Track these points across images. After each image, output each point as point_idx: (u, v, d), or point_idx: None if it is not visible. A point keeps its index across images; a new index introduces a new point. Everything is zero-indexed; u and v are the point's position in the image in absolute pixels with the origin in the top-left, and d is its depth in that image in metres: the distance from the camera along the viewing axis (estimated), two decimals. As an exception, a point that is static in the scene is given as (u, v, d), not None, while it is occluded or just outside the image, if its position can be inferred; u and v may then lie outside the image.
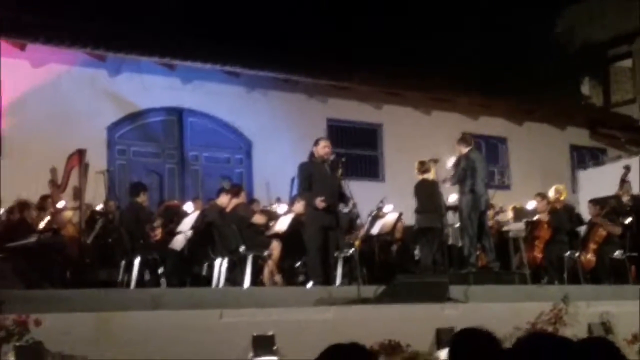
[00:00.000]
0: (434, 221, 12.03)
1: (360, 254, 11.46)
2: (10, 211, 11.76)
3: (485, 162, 12.64)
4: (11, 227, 11.36)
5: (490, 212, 13.11)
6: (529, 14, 22.66)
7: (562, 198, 13.95)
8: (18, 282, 9.74)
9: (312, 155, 10.86)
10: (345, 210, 11.89)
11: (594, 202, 14.06)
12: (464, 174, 11.86)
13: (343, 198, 10.93)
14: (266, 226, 12.23)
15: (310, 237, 10.59)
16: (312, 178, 10.62)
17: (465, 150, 12.10)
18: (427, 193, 12.13)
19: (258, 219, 11.95)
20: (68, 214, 12.51)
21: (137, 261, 10.81)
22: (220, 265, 11.21)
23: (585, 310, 9.90)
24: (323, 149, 10.80)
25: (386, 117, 19.35)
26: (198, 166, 17.18)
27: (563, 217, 13.57)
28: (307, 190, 10.66)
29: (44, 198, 13.05)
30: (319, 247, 10.45)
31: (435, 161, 12.21)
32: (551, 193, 13.85)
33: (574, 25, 24.19)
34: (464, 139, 12.45)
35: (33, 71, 15.19)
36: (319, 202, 10.37)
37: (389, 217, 13.40)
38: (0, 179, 12.57)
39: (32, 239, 10.82)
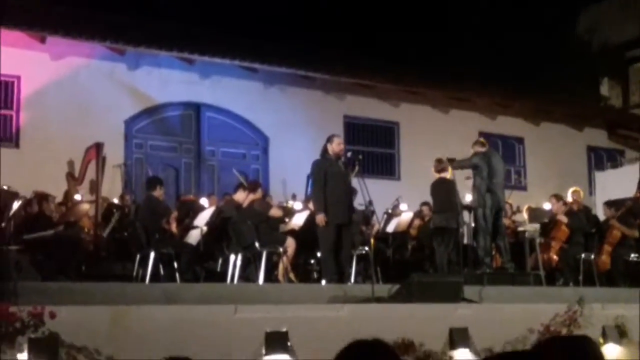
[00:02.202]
0: (449, 221, 12.00)
1: (375, 253, 11.46)
2: (27, 203, 11.81)
3: (502, 163, 12.60)
4: (29, 219, 11.42)
5: (505, 213, 13.08)
6: (549, 15, 22.58)
7: (579, 200, 13.91)
8: (34, 274, 9.79)
9: (325, 152, 10.83)
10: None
11: (609, 204, 14.01)
12: (473, 167, 11.90)
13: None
14: (283, 220, 12.25)
15: (324, 234, 10.58)
16: (326, 175, 10.61)
17: (481, 150, 12.12)
18: (443, 192, 12.09)
19: (275, 212, 11.97)
20: (85, 207, 12.56)
21: (152, 255, 10.84)
22: (235, 261, 11.23)
23: (600, 312, 9.84)
24: (338, 146, 10.78)
25: (403, 115, 19.34)
26: (214, 161, 17.22)
27: (580, 218, 13.52)
28: (321, 187, 10.64)
29: (68, 192, 13.16)
30: (332, 245, 10.44)
31: (452, 160, 12.16)
32: (569, 195, 13.79)
33: (594, 27, 24.08)
34: (480, 141, 12.51)
35: (52, 64, 15.28)
36: (320, 219, 10.39)
37: (404, 215, 13.41)
38: (18, 171, 12.68)
39: (49, 231, 10.87)
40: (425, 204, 14.03)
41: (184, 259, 11.37)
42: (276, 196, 15.84)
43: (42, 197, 11.55)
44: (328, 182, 10.57)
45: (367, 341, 2.92)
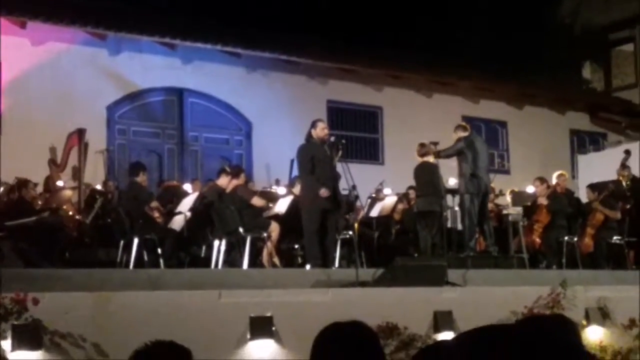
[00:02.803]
0: (433, 204, 12.02)
1: (359, 237, 11.47)
2: (10, 190, 11.75)
3: (486, 146, 12.65)
4: (11, 205, 11.36)
5: (489, 196, 13.12)
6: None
7: (563, 183, 13.97)
8: (17, 260, 9.76)
9: (310, 137, 10.83)
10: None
11: (592, 187, 14.08)
12: (458, 153, 11.94)
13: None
14: (267, 207, 12.21)
15: (308, 219, 10.58)
16: (313, 160, 10.60)
17: (463, 134, 12.14)
18: (427, 176, 12.11)
19: (257, 201, 11.94)
20: (67, 193, 12.49)
21: (135, 241, 10.81)
22: (219, 247, 11.22)
23: (583, 294, 9.92)
24: (322, 130, 10.78)
25: (387, 99, 19.33)
26: (197, 147, 17.17)
27: (563, 201, 13.58)
28: (310, 172, 10.63)
29: (49, 178, 13.08)
30: (317, 229, 10.45)
31: (436, 144, 12.19)
32: (554, 179, 13.84)
33: (576, 10, 24.10)
34: (462, 126, 12.54)
35: (33, 49, 15.15)
36: (323, 192, 10.37)
37: (388, 199, 13.42)
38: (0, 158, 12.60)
39: (32, 218, 10.82)
40: (411, 187, 14.05)
41: (168, 244, 11.35)
42: (260, 181, 15.82)
43: (21, 184, 11.46)
44: (315, 166, 10.58)
45: (346, 323, 2.93)
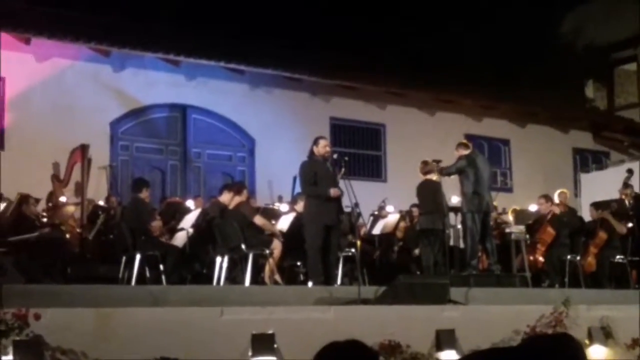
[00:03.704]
0: (436, 222, 12.02)
1: (361, 254, 11.45)
2: (15, 206, 11.74)
3: (488, 164, 12.63)
4: (13, 221, 11.35)
5: (492, 214, 13.10)
6: (534, 16, 22.63)
7: (565, 201, 13.96)
8: (19, 276, 9.74)
9: (312, 154, 10.84)
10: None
11: (595, 205, 14.06)
12: (460, 171, 11.93)
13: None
14: (268, 227, 12.15)
15: (311, 236, 10.56)
16: (315, 176, 10.61)
17: (465, 152, 12.13)
18: (429, 194, 12.11)
19: (259, 220, 11.91)
20: (70, 209, 12.50)
21: (137, 257, 10.80)
22: (221, 263, 11.20)
23: (585, 314, 9.87)
24: (324, 147, 10.78)
25: (389, 117, 19.35)
26: (200, 163, 17.18)
27: (566, 220, 13.57)
28: (312, 187, 10.64)
29: (51, 194, 13.07)
30: (319, 246, 10.43)
31: (438, 162, 12.19)
32: (556, 197, 13.83)
33: (579, 28, 24.15)
34: (463, 143, 12.53)
35: (37, 65, 15.21)
36: (334, 191, 10.37)
37: (391, 217, 13.41)
38: (3, 173, 12.61)
39: (34, 233, 10.81)
40: (414, 205, 14.03)
41: (170, 261, 11.33)
42: (262, 198, 15.83)
43: (22, 199, 11.46)
44: (317, 182, 10.58)
45: (344, 342, 2.93)
